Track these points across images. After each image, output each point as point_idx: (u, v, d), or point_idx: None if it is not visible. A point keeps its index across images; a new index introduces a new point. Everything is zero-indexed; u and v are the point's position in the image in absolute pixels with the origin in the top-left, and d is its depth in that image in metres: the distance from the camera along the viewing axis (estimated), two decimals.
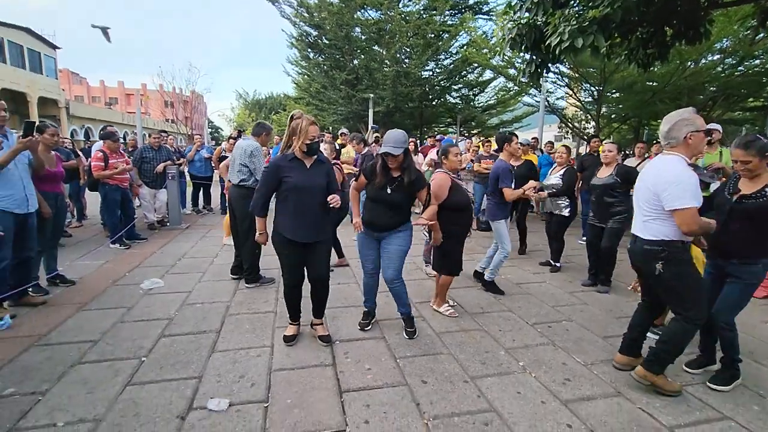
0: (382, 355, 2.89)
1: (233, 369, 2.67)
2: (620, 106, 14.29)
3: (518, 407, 2.32)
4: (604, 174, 4.28)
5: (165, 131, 8.41)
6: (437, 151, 6.43)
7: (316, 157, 2.87)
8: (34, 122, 3.57)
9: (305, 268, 3.00)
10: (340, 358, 2.83)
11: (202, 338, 3.09)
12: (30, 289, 3.73)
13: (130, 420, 2.15)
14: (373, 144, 8.42)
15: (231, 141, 7.99)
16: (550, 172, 5.11)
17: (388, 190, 2.95)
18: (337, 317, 3.52)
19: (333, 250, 4.92)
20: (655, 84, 11.60)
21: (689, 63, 10.63)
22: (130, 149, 7.82)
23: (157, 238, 6.35)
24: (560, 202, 4.87)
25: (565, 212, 4.85)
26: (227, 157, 7.97)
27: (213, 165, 8.61)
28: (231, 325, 3.34)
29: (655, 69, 10.12)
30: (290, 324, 3.13)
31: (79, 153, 7.26)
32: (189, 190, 9.02)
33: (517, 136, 4.50)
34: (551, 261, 5.11)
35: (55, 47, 27.16)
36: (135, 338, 3.06)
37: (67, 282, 4.20)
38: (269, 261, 4.82)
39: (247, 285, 4.22)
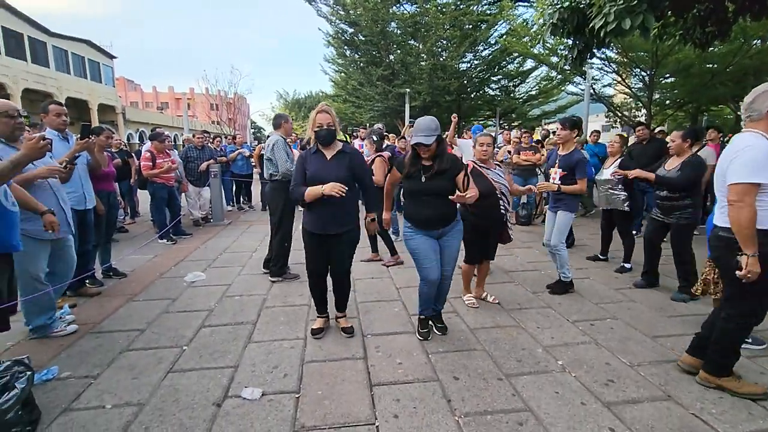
0: (413, 349, 2.86)
1: (267, 360, 2.73)
2: (675, 91, 13.30)
3: (555, 407, 2.20)
4: (671, 165, 3.81)
5: (207, 131, 8.79)
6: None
7: (339, 148, 2.81)
8: (91, 125, 3.83)
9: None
10: (371, 352, 2.82)
11: (239, 329, 3.19)
12: (87, 281, 4.02)
13: (170, 405, 2.25)
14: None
15: None
16: (604, 164, 4.73)
17: (422, 179, 2.78)
18: (370, 311, 3.52)
19: (375, 245, 4.96)
20: (714, 65, 10.69)
21: (754, 41, 9.69)
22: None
23: (201, 234, 6.65)
24: (620, 195, 4.44)
25: (625, 207, 4.44)
26: None
27: (253, 163, 8.89)
28: (266, 317, 3.42)
29: (715, 49, 9.34)
30: (318, 317, 3.15)
31: (132, 155, 7.74)
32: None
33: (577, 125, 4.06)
34: (622, 263, 4.64)
35: (112, 57, 29.10)
36: (178, 328, 3.21)
37: (119, 274, 4.48)
38: (299, 256, 5.01)
39: (271, 279, 4.31)
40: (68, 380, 2.49)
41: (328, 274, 3.04)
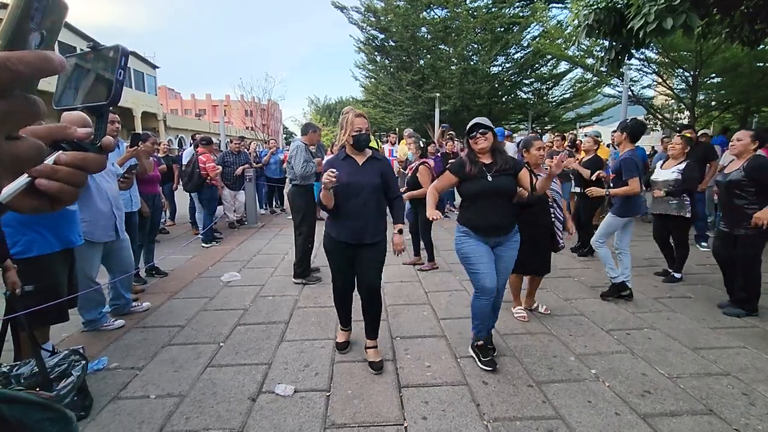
0: (442, 353, 2.87)
1: (299, 358, 2.81)
2: (722, 92, 12.63)
3: (588, 417, 2.16)
4: (732, 168, 3.52)
5: (243, 137, 9.11)
6: (517, 144, 6.19)
7: (370, 154, 2.67)
8: (140, 134, 4.10)
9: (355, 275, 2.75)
10: (400, 354, 2.86)
11: (272, 328, 3.30)
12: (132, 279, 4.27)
13: (208, 398, 2.36)
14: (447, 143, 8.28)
15: None
16: (662, 166, 4.31)
17: (489, 178, 2.56)
18: (399, 314, 3.55)
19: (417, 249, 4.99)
20: (766, 64, 10.09)
21: None
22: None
23: (236, 236, 6.89)
24: (676, 201, 4.11)
25: (687, 213, 4.09)
26: None
27: (284, 167, 9.10)
28: (298, 317, 3.52)
29: (765, 47, 8.82)
30: (342, 330, 2.95)
31: (176, 160, 8.14)
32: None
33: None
34: (669, 270, 4.38)
35: (155, 67, 30.65)
36: (215, 325, 3.36)
37: (161, 273, 4.73)
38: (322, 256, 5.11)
39: (294, 280, 4.41)
40: (116, 371, 2.67)
41: (355, 290, 2.82)
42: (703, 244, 5.76)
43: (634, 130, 3.83)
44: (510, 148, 5.91)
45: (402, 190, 5.26)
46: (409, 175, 4.87)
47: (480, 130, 2.60)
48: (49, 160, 0.42)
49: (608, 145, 7.92)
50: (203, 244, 6.14)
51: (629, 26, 4.55)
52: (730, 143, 3.59)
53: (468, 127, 2.66)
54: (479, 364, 2.67)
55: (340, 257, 2.70)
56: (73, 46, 22.25)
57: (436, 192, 2.76)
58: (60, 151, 0.43)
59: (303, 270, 4.43)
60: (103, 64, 0.45)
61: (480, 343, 2.74)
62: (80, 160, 0.44)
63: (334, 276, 2.82)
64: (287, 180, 8.49)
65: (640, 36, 4.51)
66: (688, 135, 4.84)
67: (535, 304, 3.61)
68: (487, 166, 2.59)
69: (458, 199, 3.12)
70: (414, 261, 5.04)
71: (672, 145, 4.29)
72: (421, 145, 5.03)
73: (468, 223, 2.64)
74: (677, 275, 4.33)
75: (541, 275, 3.46)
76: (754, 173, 3.31)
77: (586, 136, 5.67)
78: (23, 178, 0.41)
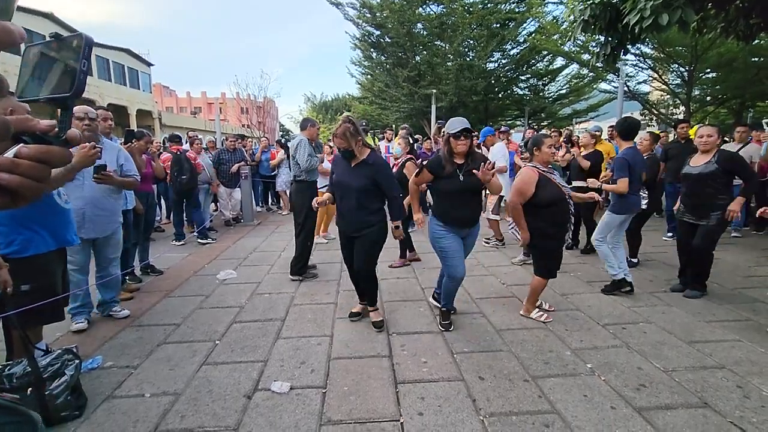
0: (438, 349, 2.87)
1: (295, 355, 2.80)
2: (717, 87, 12.69)
3: (584, 411, 2.16)
4: (699, 161, 3.63)
5: (244, 135, 9.03)
6: (525, 143, 6.15)
7: (365, 157, 2.97)
8: (134, 131, 4.06)
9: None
10: (396, 350, 2.85)
11: (268, 325, 3.29)
12: (127, 277, 4.24)
13: (204, 396, 2.35)
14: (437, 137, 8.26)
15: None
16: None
17: (461, 177, 2.87)
18: (395, 310, 3.55)
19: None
20: (761, 59, 10.12)
21: None
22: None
23: (232, 234, 6.87)
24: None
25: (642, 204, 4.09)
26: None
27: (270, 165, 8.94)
28: (295, 314, 3.51)
29: (761, 41, 8.84)
30: (359, 303, 3.41)
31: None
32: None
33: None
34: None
35: (149, 64, 30.42)
36: (211, 323, 3.34)
37: (156, 272, 4.70)
38: (323, 256, 5.15)
39: (291, 277, 4.40)
40: (111, 369, 2.65)
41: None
42: (669, 234, 5.98)
43: (624, 129, 3.85)
44: (498, 147, 5.85)
45: None
46: (395, 170, 4.86)
47: (465, 134, 2.82)
48: (9, 153, 0.40)
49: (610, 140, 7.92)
50: (199, 240, 6.11)
51: (625, 22, 4.53)
52: (700, 139, 3.65)
53: (456, 130, 2.81)
54: (438, 325, 3.20)
55: (343, 244, 3.26)
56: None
57: (416, 188, 3.17)
58: (21, 144, 0.41)
59: (300, 267, 4.41)
60: (67, 53, 0.43)
61: (444, 309, 3.23)
62: (43, 153, 0.41)
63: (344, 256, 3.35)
64: (284, 177, 8.51)
65: (636, 31, 4.50)
66: (657, 132, 5.05)
67: (539, 302, 3.49)
68: (459, 166, 2.87)
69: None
70: (403, 263, 4.91)
71: (639, 141, 4.52)
72: (410, 141, 5.05)
73: (444, 216, 2.97)
74: (635, 260, 4.71)
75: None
76: (727, 165, 3.50)
77: (584, 131, 5.68)
78: None
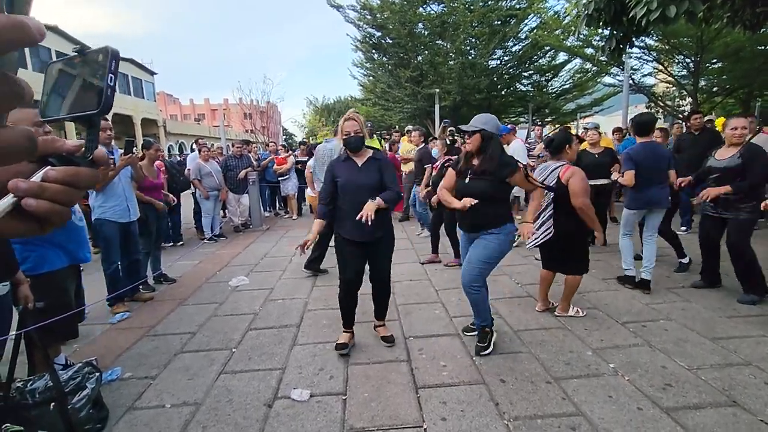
0: (457, 352, 2.84)
1: (313, 362, 2.79)
2: (724, 77, 12.50)
3: (610, 412, 2.13)
4: (725, 155, 3.50)
5: (249, 141, 9.06)
6: (548, 141, 6.10)
7: (370, 154, 2.76)
8: (134, 140, 4.04)
9: (366, 269, 2.88)
10: (414, 354, 2.83)
11: (284, 332, 3.28)
12: (140, 287, 4.25)
13: (224, 405, 2.34)
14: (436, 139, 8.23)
15: (302, 147, 8.49)
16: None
17: (466, 180, 2.71)
18: (411, 313, 3.52)
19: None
20: (767, 48, 9.98)
21: None
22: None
23: (242, 239, 6.87)
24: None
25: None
26: (303, 161, 8.39)
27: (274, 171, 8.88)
28: (309, 320, 3.50)
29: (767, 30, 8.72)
30: (344, 331, 2.97)
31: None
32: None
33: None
34: (749, 294, 3.52)
35: (153, 73, 30.65)
36: (226, 331, 3.34)
37: (169, 280, 4.71)
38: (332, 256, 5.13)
39: (303, 269, 4.65)
40: (130, 380, 2.65)
41: (362, 284, 2.92)
42: (683, 228, 5.87)
43: (637, 126, 3.84)
44: (516, 146, 5.82)
45: (424, 190, 5.19)
46: (435, 173, 4.70)
47: (461, 132, 2.73)
48: (36, 177, 0.38)
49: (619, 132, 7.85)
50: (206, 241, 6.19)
51: (631, 15, 4.48)
52: (734, 131, 3.47)
53: (466, 129, 2.71)
54: (476, 348, 2.82)
55: (349, 254, 2.81)
56: (67, 54, 22.30)
57: (446, 191, 2.89)
58: (48, 167, 0.39)
59: (312, 263, 4.60)
60: (92, 69, 0.40)
61: (473, 326, 3.00)
62: (71, 175, 0.39)
63: (340, 272, 2.89)
64: (293, 181, 8.55)
65: (643, 24, 4.45)
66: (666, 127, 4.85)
67: (574, 309, 3.38)
68: (472, 168, 2.71)
69: None
70: (431, 259, 5.02)
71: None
72: (447, 142, 4.74)
73: (456, 218, 2.94)
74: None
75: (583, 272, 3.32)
76: (750, 157, 3.38)
77: (586, 128, 5.64)
78: (8, 199, 0.36)
